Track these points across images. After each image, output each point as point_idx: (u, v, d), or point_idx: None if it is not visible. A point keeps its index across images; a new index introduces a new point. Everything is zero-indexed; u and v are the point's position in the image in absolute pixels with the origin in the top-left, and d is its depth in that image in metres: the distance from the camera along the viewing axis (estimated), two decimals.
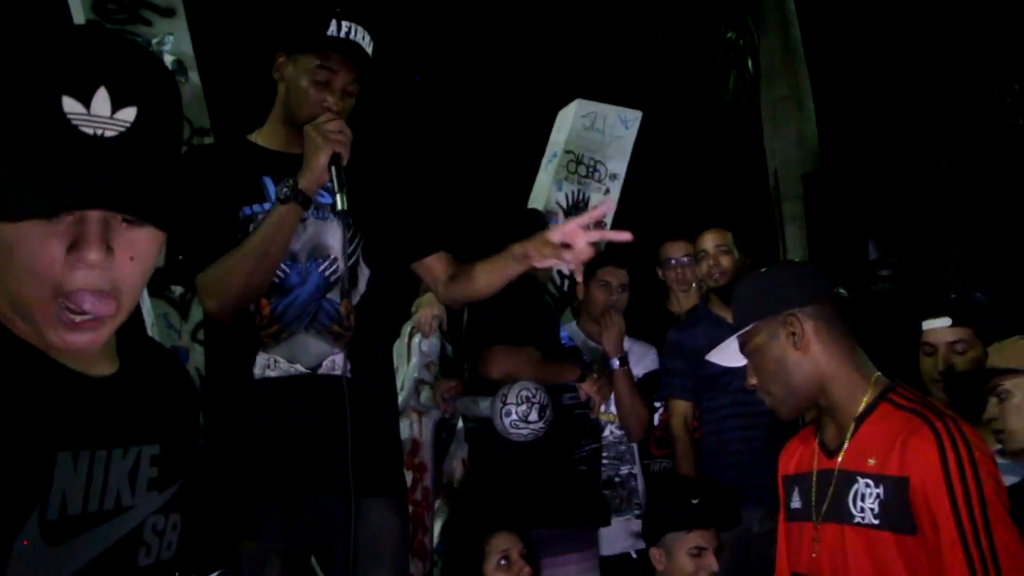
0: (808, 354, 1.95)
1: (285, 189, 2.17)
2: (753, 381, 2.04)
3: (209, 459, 2.22)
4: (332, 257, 2.29)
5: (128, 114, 1.00)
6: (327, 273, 2.28)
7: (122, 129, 1.00)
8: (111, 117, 0.99)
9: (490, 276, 2.34)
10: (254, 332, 2.23)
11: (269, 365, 2.24)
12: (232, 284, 2.17)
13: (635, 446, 3.70)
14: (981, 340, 2.72)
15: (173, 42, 3.75)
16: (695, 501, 2.83)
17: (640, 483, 3.68)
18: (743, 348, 2.06)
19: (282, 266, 2.24)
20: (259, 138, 2.38)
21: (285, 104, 2.33)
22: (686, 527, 2.79)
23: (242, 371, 2.23)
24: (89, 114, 0.98)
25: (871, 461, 1.84)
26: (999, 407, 2.37)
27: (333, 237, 2.29)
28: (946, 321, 2.76)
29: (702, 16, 7.86)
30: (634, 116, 4.84)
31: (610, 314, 3.53)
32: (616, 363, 3.49)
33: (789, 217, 6.95)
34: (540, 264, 2.17)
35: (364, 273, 2.35)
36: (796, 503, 2.06)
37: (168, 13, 3.77)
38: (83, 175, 0.96)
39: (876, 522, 1.80)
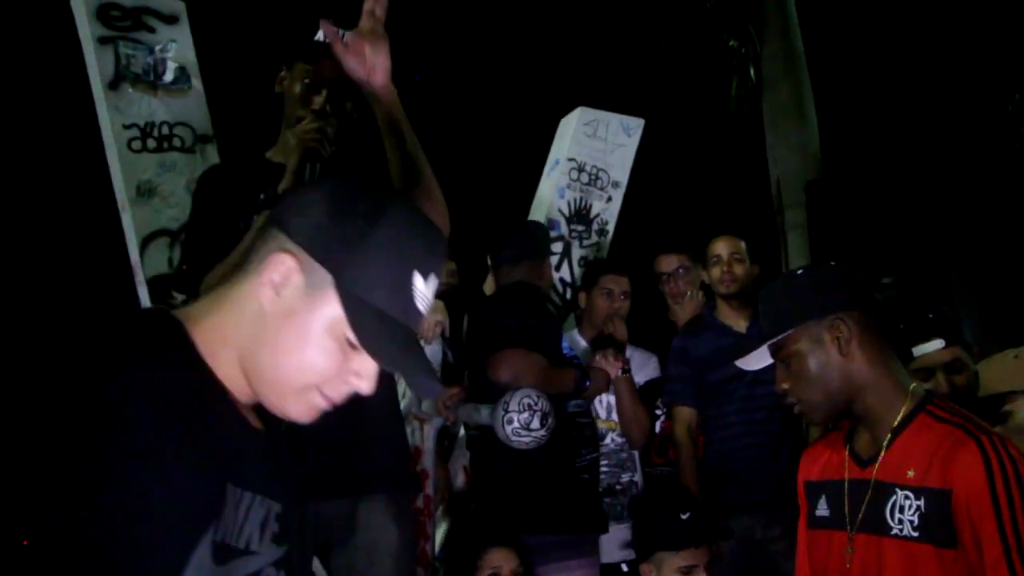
0: (852, 360, 1.91)
1: (263, 195, 2.20)
2: (785, 386, 1.98)
3: None
4: None
5: (433, 289, 1.24)
6: None
7: (428, 305, 1.23)
8: (430, 297, 1.23)
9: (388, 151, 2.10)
10: None
11: None
12: None
13: (636, 454, 3.69)
14: (968, 355, 2.70)
15: (176, 49, 3.75)
16: (684, 516, 2.78)
17: (641, 491, 3.67)
18: (777, 353, 2.00)
19: None
20: (273, 154, 2.43)
21: (285, 115, 2.40)
22: (675, 547, 2.75)
23: None
24: (423, 292, 1.21)
25: (910, 473, 1.81)
26: (1000, 429, 2.35)
27: None
28: (939, 343, 2.68)
29: (704, 24, 7.87)
30: (636, 124, 4.84)
31: (613, 321, 3.53)
32: (618, 370, 3.49)
33: (792, 225, 6.94)
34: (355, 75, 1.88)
35: None
36: (823, 511, 2.01)
37: (171, 20, 3.77)
38: (417, 353, 1.23)
39: (916, 534, 1.77)
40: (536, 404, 3.03)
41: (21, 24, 7.14)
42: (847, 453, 1.99)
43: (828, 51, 7.86)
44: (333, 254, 1.16)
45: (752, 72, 7.48)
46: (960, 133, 7.56)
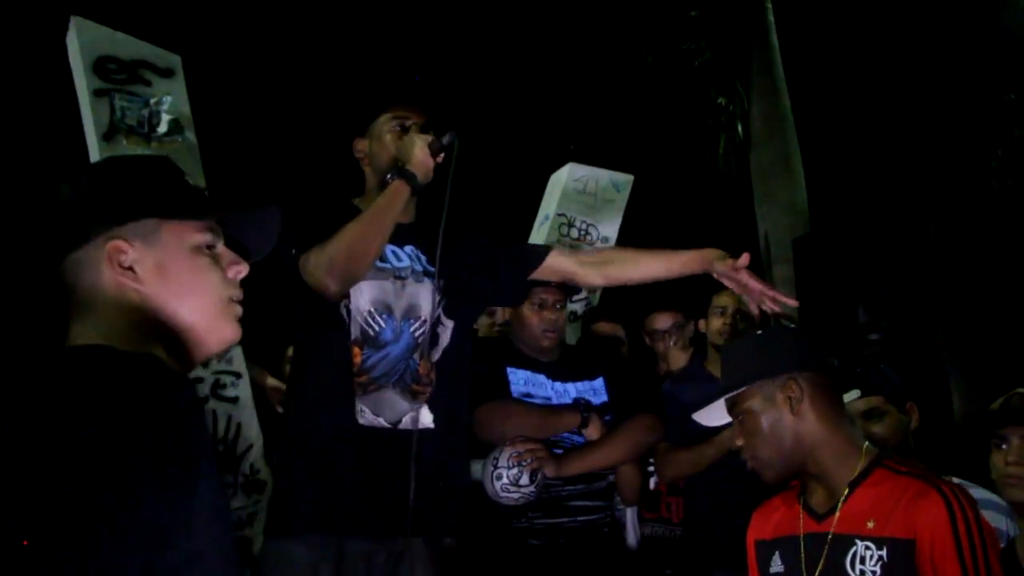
0: (803, 420, 1.97)
1: (390, 175, 2.43)
2: (740, 442, 2.04)
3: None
4: (422, 319, 2.45)
5: None
6: (416, 334, 2.42)
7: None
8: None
9: (653, 263, 2.73)
10: (348, 376, 2.36)
11: (358, 412, 2.36)
12: (338, 246, 2.31)
13: (630, 512, 3.64)
14: (894, 405, 2.77)
15: (171, 102, 3.77)
16: (668, 572, 2.76)
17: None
18: (732, 409, 2.06)
19: (378, 320, 2.41)
20: (360, 202, 2.60)
21: (374, 171, 2.57)
22: None
23: (333, 411, 2.36)
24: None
25: (870, 524, 1.85)
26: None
27: (424, 299, 2.46)
28: (856, 393, 2.80)
29: (693, 82, 7.98)
30: (625, 180, 4.87)
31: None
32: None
33: (779, 281, 6.98)
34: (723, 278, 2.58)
35: (447, 327, 2.50)
36: (777, 567, 2.05)
37: (167, 74, 3.79)
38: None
39: None
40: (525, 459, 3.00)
41: (17, 76, 7.20)
42: (801, 508, 2.03)
43: (815, 109, 7.97)
44: (129, 207, 1.22)
45: (740, 130, 7.58)
46: (945, 189, 7.65)
